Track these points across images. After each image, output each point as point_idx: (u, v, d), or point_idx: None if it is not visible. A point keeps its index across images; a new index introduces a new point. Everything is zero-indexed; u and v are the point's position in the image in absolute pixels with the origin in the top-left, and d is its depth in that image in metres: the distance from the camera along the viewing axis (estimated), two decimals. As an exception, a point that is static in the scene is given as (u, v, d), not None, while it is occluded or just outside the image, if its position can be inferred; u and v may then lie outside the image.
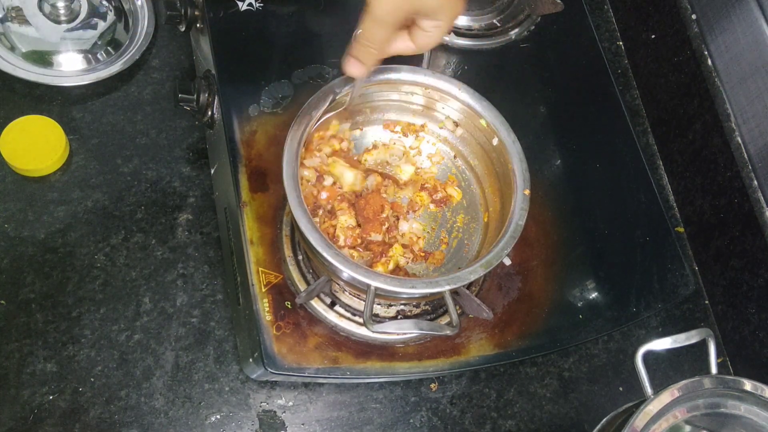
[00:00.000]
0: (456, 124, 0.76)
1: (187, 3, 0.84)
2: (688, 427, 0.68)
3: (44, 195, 0.81)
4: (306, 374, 0.70)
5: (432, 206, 0.77)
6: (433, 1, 0.58)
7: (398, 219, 0.74)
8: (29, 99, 0.85)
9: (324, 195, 0.72)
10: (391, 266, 0.71)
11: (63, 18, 0.86)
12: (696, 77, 0.93)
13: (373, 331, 0.62)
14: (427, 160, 0.79)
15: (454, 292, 0.68)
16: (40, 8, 0.86)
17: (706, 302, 0.96)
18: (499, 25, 0.95)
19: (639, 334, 0.91)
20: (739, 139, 0.87)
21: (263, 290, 0.71)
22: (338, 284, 0.74)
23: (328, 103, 0.69)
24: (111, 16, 0.89)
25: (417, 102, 0.76)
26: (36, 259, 0.78)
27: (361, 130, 0.78)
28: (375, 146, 0.78)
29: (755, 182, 0.84)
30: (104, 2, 0.90)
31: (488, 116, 0.72)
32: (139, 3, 0.91)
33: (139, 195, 0.83)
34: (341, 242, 0.70)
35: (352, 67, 0.62)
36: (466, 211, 0.78)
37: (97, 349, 0.76)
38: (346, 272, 0.62)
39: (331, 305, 0.74)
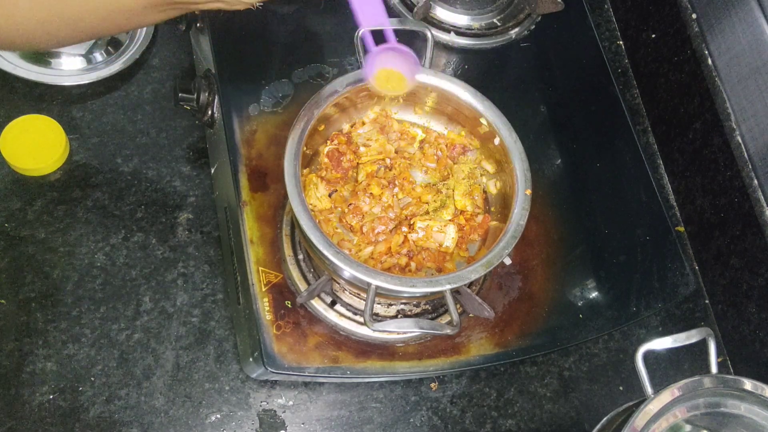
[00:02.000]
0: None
1: (187, 2, 0.84)
2: (688, 427, 0.68)
3: (44, 194, 0.81)
4: (306, 373, 0.70)
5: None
6: None
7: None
8: (29, 98, 0.85)
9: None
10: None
11: (63, 17, 0.86)
12: (696, 77, 0.93)
13: (374, 330, 0.62)
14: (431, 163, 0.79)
15: (455, 291, 0.68)
16: (40, 7, 0.86)
17: (707, 301, 0.96)
18: (499, 24, 0.95)
19: (639, 333, 0.91)
20: (739, 138, 0.87)
21: (263, 290, 0.71)
22: (339, 283, 0.74)
23: (329, 102, 0.69)
24: (111, 15, 0.89)
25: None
26: (36, 258, 0.78)
27: (363, 124, 0.78)
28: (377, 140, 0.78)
29: (755, 181, 0.84)
30: (104, 1, 0.90)
31: (490, 116, 0.72)
32: (139, 2, 0.91)
33: (139, 194, 0.83)
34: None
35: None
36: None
37: (97, 348, 0.76)
38: (348, 271, 0.62)
39: (332, 304, 0.74)
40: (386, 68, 0.69)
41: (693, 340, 0.68)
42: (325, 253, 0.62)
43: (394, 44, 0.67)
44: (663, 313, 0.93)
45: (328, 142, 0.75)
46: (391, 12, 0.91)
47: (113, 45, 0.89)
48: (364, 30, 0.66)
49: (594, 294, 0.82)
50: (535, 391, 0.85)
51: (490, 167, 0.77)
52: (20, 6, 0.56)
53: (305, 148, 0.68)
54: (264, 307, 0.71)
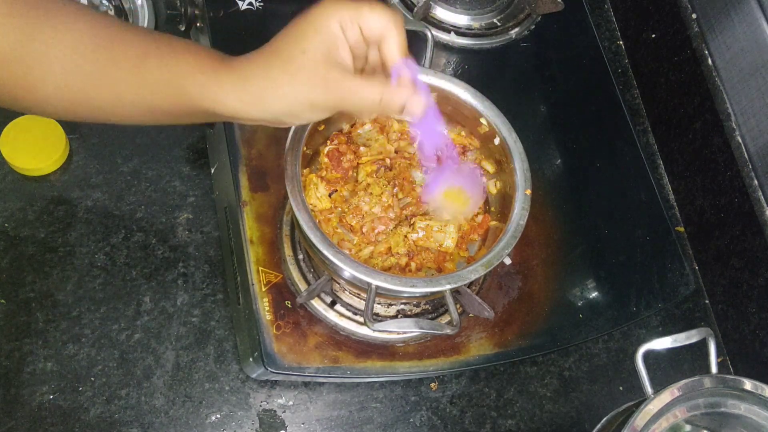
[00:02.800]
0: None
1: (187, 2, 0.84)
2: (688, 427, 0.68)
3: (44, 194, 0.81)
4: (306, 374, 0.70)
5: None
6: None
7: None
8: (29, 98, 0.85)
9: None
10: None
11: (63, 17, 0.86)
12: (696, 76, 0.93)
13: (374, 330, 0.62)
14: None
15: (455, 291, 0.68)
16: (40, 7, 0.86)
17: (707, 301, 0.96)
18: (499, 24, 0.95)
19: (639, 333, 0.91)
20: (739, 138, 0.87)
21: (263, 290, 0.71)
22: (339, 283, 0.74)
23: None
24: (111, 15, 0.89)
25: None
26: (36, 258, 0.78)
27: (363, 125, 0.78)
28: (376, 140, 0.78)
29: (755, 181, 0.84)
30: (104, 1, 0.90)
31: (490, 116, 0.72)
32: (139, 2, 0.91)
33: (139, 194, 0.83)
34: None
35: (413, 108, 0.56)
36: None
37: (97, 348, 0.76)
38: (348, 271, 0.62)
39: (332, 304, 0.74)
40: (453, 187, 0.69)
41: (693, 340, 0.68)
42: (325, 253, 0.62)
43: (458, 162, 0.65)
44: (663, 313, 0.93)
45: (328, 142, 0.75)
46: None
47: (113, 45, 0.89)
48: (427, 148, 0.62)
49: (594, 294, 0.82)
50: (535, 391, 0.85)
51: (490, 167, 0.77)
52: (46, 91, 0.53)
53: (305, 148, 0.67)
54: (264, 307, 0.71)
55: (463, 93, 0.73)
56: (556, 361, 0.87)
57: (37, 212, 0.80)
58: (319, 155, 0.75)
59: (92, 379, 0.75)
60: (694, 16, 0.93)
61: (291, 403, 0.78)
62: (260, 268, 0.72)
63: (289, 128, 0.67)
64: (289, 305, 0.72)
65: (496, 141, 0.73)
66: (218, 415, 0.76)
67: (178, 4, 0.84)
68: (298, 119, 0.54)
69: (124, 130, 0.86)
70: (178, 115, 0.55)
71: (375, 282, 0.62)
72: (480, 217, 0.75)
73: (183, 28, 0.86)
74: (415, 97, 0.54)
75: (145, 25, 0.90)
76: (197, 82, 0.52)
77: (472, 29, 0.93)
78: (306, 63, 0.51)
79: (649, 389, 0.65)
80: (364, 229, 0.72)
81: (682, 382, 0.64)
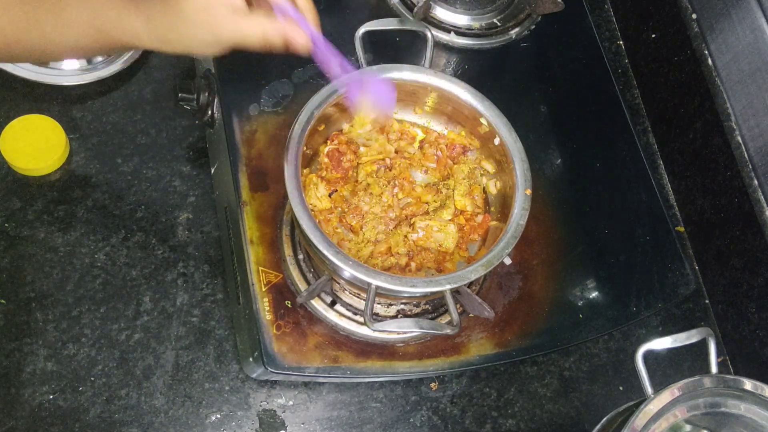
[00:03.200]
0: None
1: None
2: (688, 427, 0.68)
3: (44, 194, 0.81)
4: (306, 373, 0.70)
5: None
6: None
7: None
8: (29, 98, 0.85)
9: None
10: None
11: (63, 17, 0.86)
12: (696, 77, 0.93)
13: (374, 330, 0.62)
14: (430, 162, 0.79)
15: (455, 291, 0.68)
16: (40, 7, 0.86)
17: (707, 301, 0.96)
18: (499, 24, 0.95)
19: (639, 333, 0.91)
20: (739, 138, 0.87)
21: (263, 289, 0.71)
22: (339, 283, 0.74)
23: (329, 102, 0.69)
24: (111, 15, 0.89)
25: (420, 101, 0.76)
26: (36, 258, 0.78)
27: (363, 125, 0.78)
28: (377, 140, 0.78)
29: (755, 181, 0.84)
30: (104, 1, 0.90)
31: (490, 116, 0.72)
32: (139, 2, 0.91)
33: (139, 194, 0.83)
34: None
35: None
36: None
37: (97, 348, 0.76)
38: (348, 271, 0.62)
39: (332, 304, 0.74)
40: (360, 102, 0.72)
41: (693, 340, 0.68)
42: (325, 253, 0.62)
43: (362, 77, 0.68)
44: (663, 313, 0.93)
45: (328, 142, 0.75)
46: (392, 12, 0.91)
47: (113, 45, 0.89)
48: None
49: (594, 294, 0.82)
50: (535, 391, 0.85)
51: (490, 167, 0.77)
52: None
53: (305, 148, 0.68)
54: (264, 307, 0.71)
55: (463, 93, 0.73)
56: (556, 361, 0.87)
57: (37, 212, 0.80)
58: (319, 155, 0.75)
59: (92, 379, 0.75)
60: (694, 16, 0.93)
61: (291, 403, 0.78)
62: (260, 268, 0.72)
63: (289, 128, 0.67)
64: (289, 305, 0.72)
65: (496, 141, 0.73)
66: (218, 415, 0.76)
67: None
68: (202, 53, 0.63)
69: (125, 129, 0.86)
70: (103, 50, 0.63)
71: (375, 282, 0.62)
72: (480, 217, 0.75)
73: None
74: (296, 30, 0.61)
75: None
76: (111, 19, 0.59)
77: (472, 29, 0.93)
78: (193, 6, 0.58)
79: (649, 389, 0.65)
80: (364, 229, 0.72)
81: (682, 382, 0.64)
